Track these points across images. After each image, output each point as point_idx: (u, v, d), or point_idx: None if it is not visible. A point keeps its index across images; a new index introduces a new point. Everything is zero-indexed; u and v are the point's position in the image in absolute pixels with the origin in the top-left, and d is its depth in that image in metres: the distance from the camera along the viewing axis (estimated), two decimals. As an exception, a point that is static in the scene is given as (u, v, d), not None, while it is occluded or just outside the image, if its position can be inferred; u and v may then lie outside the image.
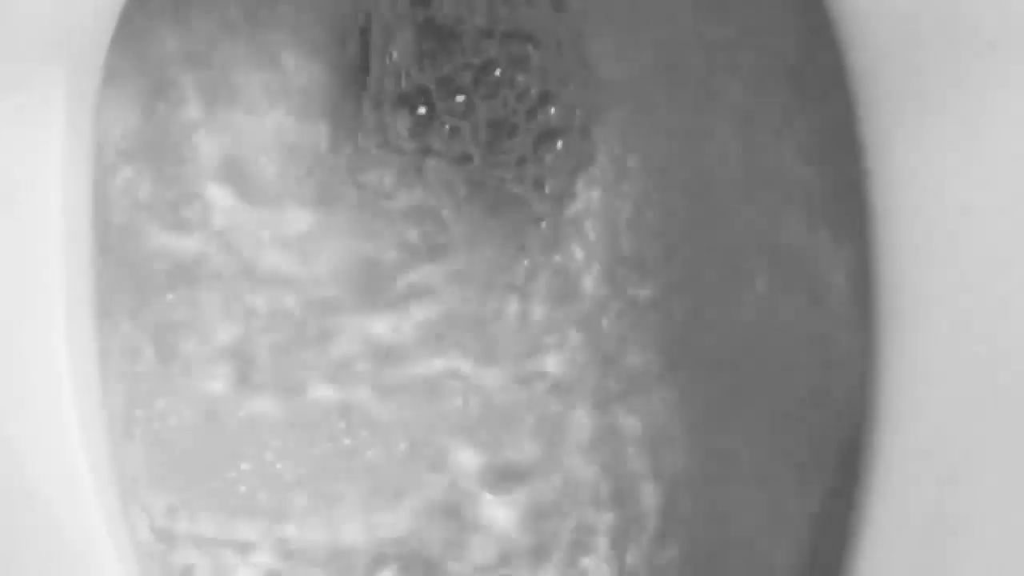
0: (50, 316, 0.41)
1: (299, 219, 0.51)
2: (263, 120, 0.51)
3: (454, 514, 0.51)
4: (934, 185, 0.40)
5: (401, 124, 0.51)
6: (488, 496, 0.51)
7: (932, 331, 0.40)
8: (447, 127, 0.51)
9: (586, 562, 0.51)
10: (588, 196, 0.51)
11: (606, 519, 0.51)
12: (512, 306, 0.52)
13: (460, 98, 0.51)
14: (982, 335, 0.40)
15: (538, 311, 0.51)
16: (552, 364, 0.51)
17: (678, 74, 0.51)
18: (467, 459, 0.51)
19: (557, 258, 0.51)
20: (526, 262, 0.52)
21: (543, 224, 0.52)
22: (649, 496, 0.51)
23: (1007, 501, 0.40)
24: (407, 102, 0.51)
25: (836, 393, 0.49)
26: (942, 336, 0.40)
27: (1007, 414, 0.40)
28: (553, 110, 0.51)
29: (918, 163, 0.40)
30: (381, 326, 0.51)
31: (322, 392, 0.51)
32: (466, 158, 0.52)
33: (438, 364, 0.51)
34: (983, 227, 0.40)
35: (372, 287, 0.51)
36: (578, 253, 0.51)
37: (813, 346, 0.50)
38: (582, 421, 0.51)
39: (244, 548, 0.50)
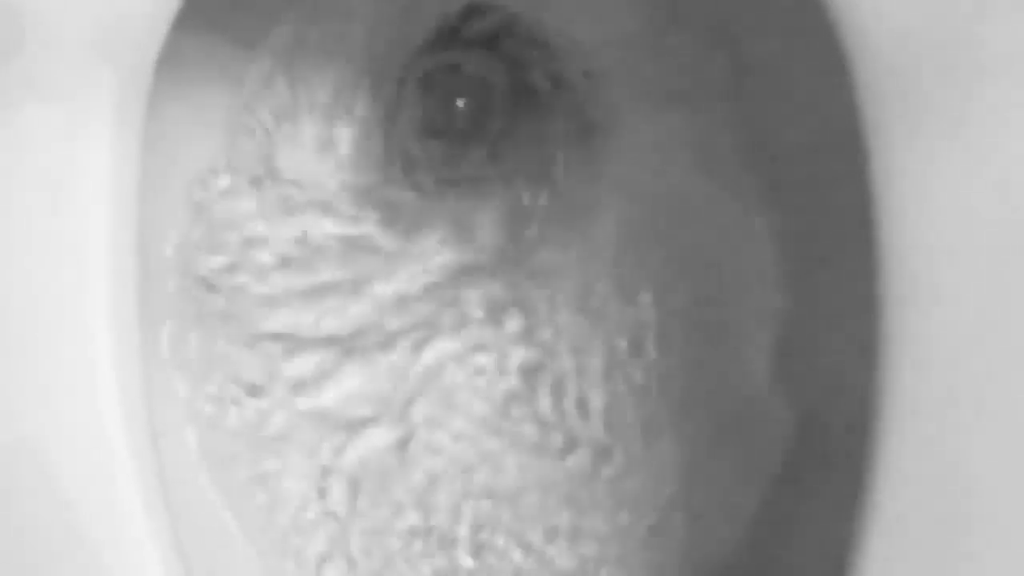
0: (93, 325, 0.40)
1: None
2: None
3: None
4: (944, 214, 0.40)
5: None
6: None
7: (939, 354, 0.40)
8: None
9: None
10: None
11: None
12: None
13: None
14: (990, 360, 0.40)
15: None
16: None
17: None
18: None
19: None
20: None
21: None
22: None
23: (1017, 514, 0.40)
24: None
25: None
26: (949, 357, 0.40)
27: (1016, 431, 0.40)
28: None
29: (927, 191, 0.40)
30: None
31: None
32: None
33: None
34: (993, 251, 0.40)
35: None
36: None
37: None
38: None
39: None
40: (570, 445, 0.52)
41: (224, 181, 0.51)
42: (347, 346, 0.52)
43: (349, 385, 0.52)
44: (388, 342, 0.53)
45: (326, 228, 0.53)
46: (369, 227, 0.53)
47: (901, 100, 0.40)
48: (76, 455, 0.40)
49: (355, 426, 0.52)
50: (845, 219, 0.46)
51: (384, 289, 0.53)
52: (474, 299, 0.53)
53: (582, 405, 0.52)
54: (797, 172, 0.50)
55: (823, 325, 0.50)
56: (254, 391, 0.51)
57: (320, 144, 0.52)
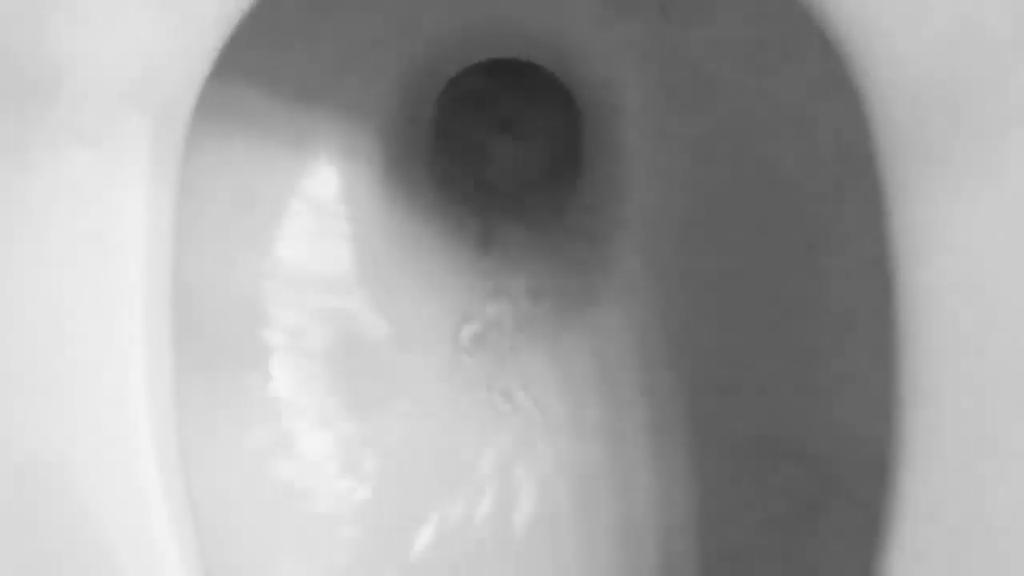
0: (127, 362, 0.41)
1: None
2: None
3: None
4: (965, 263, 0.40)
5: None
6: None
7: (958, 403, 0.40)
8: None
9: None
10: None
11: None
12: None
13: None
14: (1012, 412, 0.40)
15: None
16: None
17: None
18: None
19: None
20: None
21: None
22: None
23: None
24: None
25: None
26: (969, 408, 0.40)
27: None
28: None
29: (948, 242, 0.40)
30: None
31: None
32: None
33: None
34: (1013, 300, 0.40)
35: None
36: None
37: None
38: None
39: None
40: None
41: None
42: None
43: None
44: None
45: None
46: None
47: (922, 149, 0.40)
48: (106, 482, 0.41)
49: None
50: (864, 267, 0.46)
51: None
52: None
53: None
54: (814, 220, 0.50)
55: (839, 372, 0.50)
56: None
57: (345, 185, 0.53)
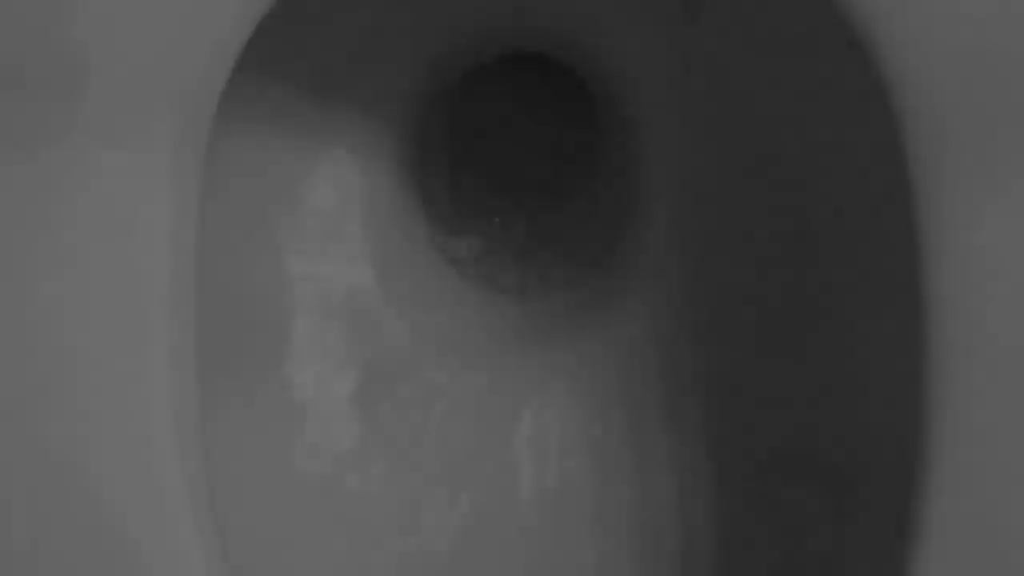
0: (151, 356, 0.41)
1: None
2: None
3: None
4: (993, 266, 0.40)
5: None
6: None
7: (986, 404, 0.40)
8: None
9: None
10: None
11: None
12: None
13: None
14: None
15: None
16: None
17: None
18: None
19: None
20: None
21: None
22: None
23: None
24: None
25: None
26: (996, 410, 0.40)
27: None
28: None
29: (977, 240, 0.40)
30: None
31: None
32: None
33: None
34: None
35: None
36: None
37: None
38: None
39: None
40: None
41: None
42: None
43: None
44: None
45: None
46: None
47: (947, 143, 0.40)
48: (129, 478, 0.41)
49: None
50: (892, 269, 0.46)
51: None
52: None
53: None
54: (840, 223, 0.50)
55: (865, 382, 0.50)
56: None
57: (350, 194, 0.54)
